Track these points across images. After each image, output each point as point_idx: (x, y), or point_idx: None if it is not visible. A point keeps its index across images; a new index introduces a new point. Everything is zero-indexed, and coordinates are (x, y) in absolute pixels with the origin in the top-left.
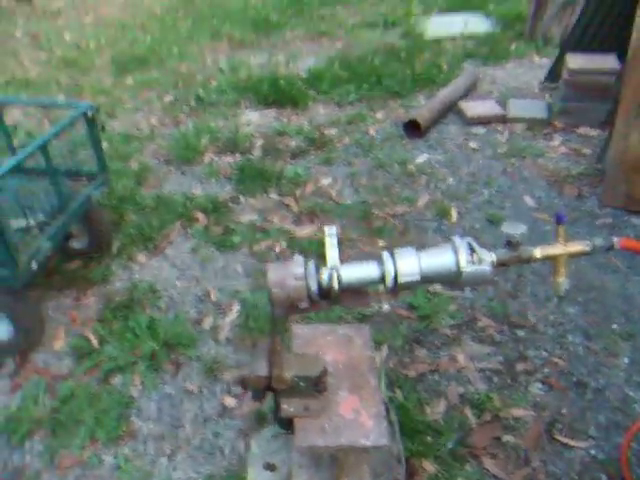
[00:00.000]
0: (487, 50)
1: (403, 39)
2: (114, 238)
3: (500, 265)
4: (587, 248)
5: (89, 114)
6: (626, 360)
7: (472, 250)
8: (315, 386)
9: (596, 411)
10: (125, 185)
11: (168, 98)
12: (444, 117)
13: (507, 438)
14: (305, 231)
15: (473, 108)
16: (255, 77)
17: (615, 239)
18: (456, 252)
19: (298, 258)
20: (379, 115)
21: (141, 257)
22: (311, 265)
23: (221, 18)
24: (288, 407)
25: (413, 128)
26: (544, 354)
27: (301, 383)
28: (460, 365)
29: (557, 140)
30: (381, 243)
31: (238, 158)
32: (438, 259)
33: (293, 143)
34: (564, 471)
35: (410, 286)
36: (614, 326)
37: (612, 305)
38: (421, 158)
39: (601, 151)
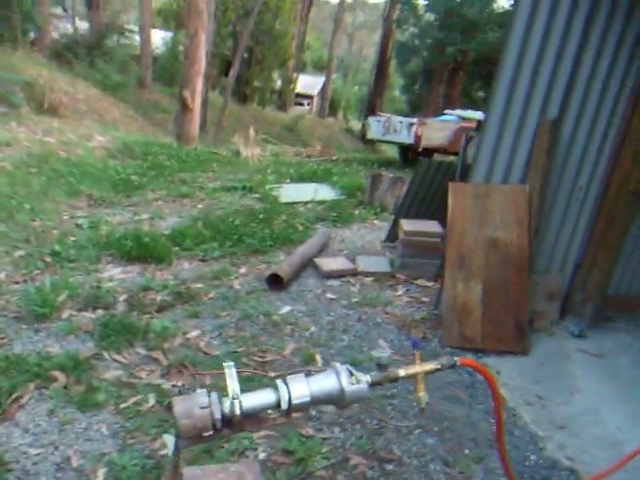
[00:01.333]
0: (335, 214)
1: (260, 203)
2: None
3: (375, 384)
4: (438, 366)
5: None
6: None
7: (351, 373)
8: None
9: None
10: None
11: (19, 253)
12: (303, 271)
13: None
14: (177, 382)
15: (327, 264)
16: (117, 233)
17: (456, 358)
18: (338, 375)
19: (202, 390)
20: (242, 270)
21: None
22: (214, 395)
23: (79, 177)
24: None
25: (275, 281)
26: None
27: None
28: None
29: (400, 290)
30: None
31: (100, 314)
32: (324, 382)
33: (159, 298)
34: None
35: (302, 407)
36: (466, 451)
37: (462, 432)
38: (285, 309)
39: (437, 299)
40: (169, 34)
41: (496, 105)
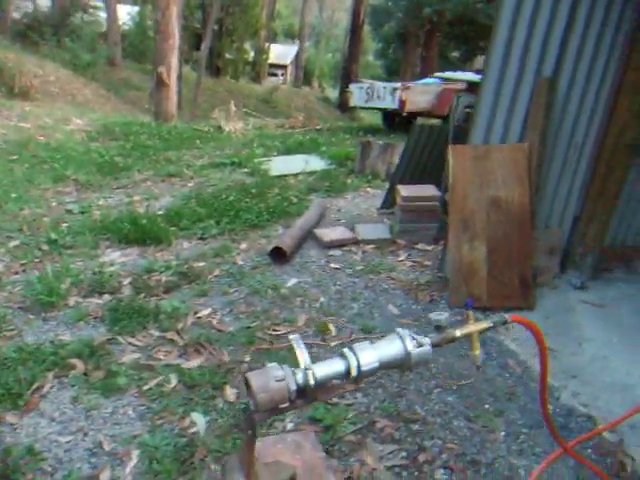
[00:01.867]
0: (328, 184)
1: (251, 177)
2: None
3: (435, 346)
4: (490, 324)
5: None
6: (503, 434)
7: (412, 337)
8: None
9: None
10: None
11: (13, 243)
12: (304, 243)
13: None
14: (195, 362)
15: (327, 234)
16: (112, 217)
17: (506, 316)
18: (403, 340)
19: (273, 364)
20: (243, 246)
21: (10, 417)
22: (286, 368)
23: (62, 162)
24: None
25: (278, 255)
26: (439, 442)
27: None
28: (371, 467)
29: (402, 256)
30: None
31: (107, 299)
32: (390, 347)
33: (164, 279)
34: None
35: (371, 373)
36: (486, 406)
37: (480, 388)
38: (291, 282)
39: (440, 261)
40: (135, 9)
41: (492, 66)
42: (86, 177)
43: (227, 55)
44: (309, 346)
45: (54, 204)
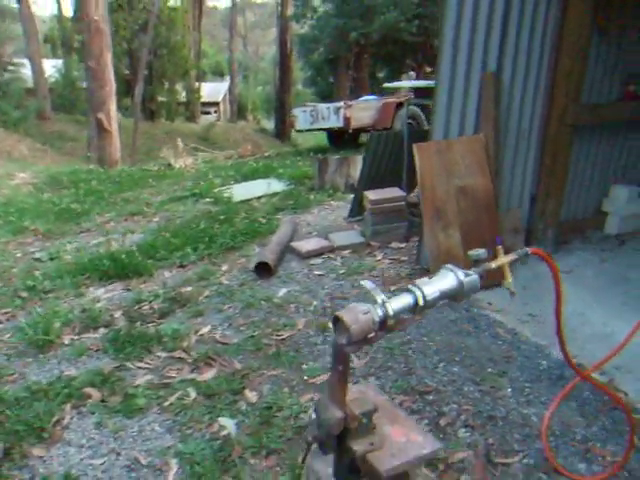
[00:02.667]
0: (292, 202)
1: (215, 206)
2: None
3: (480, 277)
4: (516, 256)
5: None
6: (509, 390)
7: (461, 270)
8: (371, 422)
9: (510, 432)
10: None
11: None
12: (284, 257)
13: (463, 478)
14: (209, 374)
15: (304, 246)
16: (85, 258)
17: (527, 249)
18: (455, 272)
19: (355, 303)
20: (224, 267)
21: (37, 451)
22: (368, 304)
23: (17, 214)
24: (358, 447)
25: (263, 270)
26: (455, 406)
27: (364, 420)
28: None
29: (379, 255)
30: (278, 371)
31: (103, 332)
32: (445, 280)
33: (155, 306)
34: None
35: (433, 303)
36: (489, 370)
37: (479, 356)
38: (281, 292)
39: (417, 255)
40: (59, 61)
41: (443, 66)
42: (46, 226)
43: (160, 97)
44: (314, 344)
45: (19, 255)
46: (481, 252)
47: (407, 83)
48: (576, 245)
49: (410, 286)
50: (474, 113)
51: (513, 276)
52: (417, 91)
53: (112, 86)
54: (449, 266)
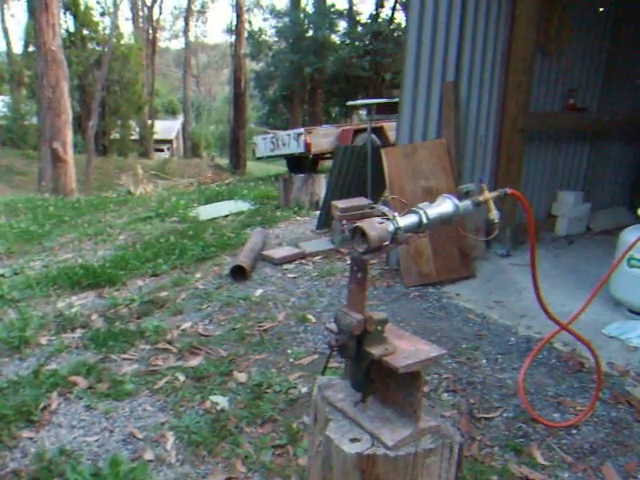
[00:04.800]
0: (259, 219)
1: (182, 224)
2: None
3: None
4: (497, 193)
5: None
6: (484, 361)
7: (456, 198)
8: (384, 331)
9: (489, 393)
10: None
11: None
12: (257, 264)
13: None
14: (196, 361)
15: (277, 253)
16: (53, 272)
17: (507, 189)
18: (452, 199)
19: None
20: (198, 275)
21: (27, 433)
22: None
23: None
24: (375, 351)
25: (238, 274)
26: (436, 376)
27: (379, 327)
28: None
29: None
30: (264, 355)
31: (82, 331)
32: (444, 205)
33: (133, 308)
34: (499, 434)
35: (434, 223)
36: (463, 346)
37: (453, 336)
38: (258, 292)
39: (386, 257)
40: (7, 97)
41: (407, 80)
42: (5, 246)
43: (113, 133)
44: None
45: None
46: (470, 186)
47: (370, 100)
48: None
49: (415, 208)
50: (436, 119)
51: (478, 271)
52: (379, 107)
53: (69, 115)
54: (447, 195)
